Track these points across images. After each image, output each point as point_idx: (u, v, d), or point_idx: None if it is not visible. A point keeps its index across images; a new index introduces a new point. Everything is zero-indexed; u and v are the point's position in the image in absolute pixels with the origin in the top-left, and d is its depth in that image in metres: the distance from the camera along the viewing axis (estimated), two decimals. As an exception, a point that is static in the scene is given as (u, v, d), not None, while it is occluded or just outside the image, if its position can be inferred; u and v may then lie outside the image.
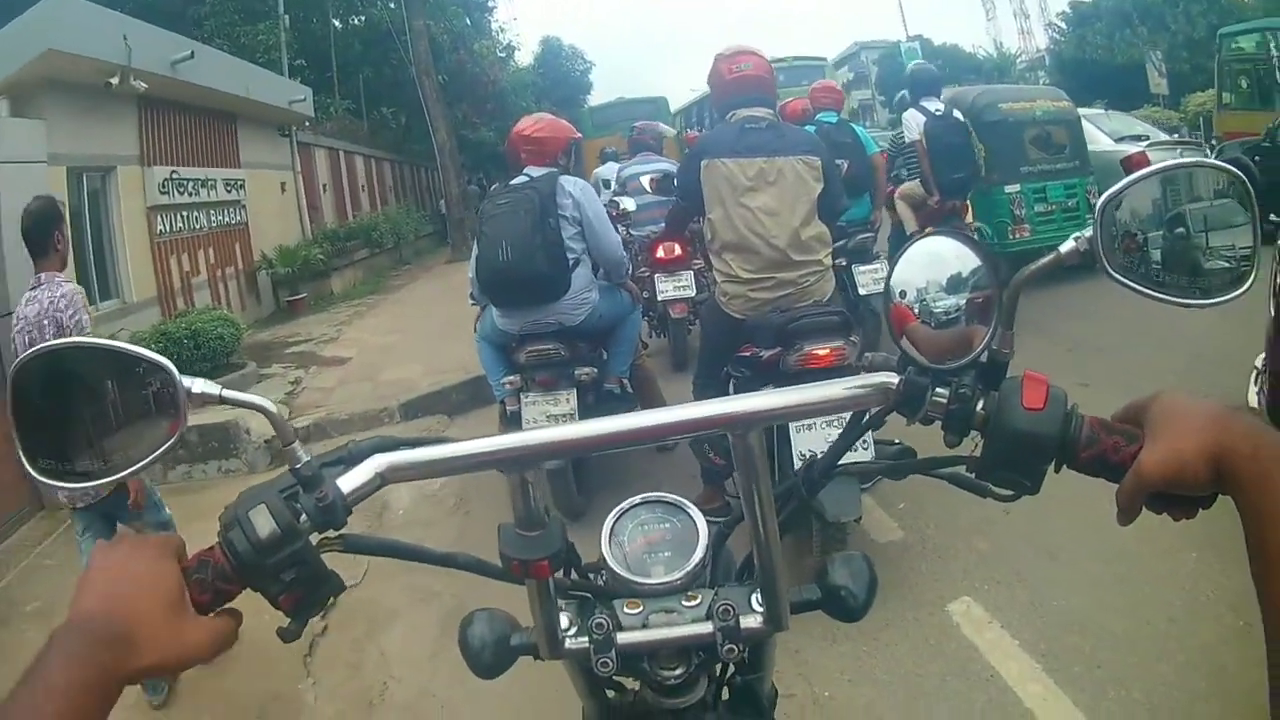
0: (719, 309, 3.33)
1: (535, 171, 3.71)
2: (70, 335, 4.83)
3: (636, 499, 0.91)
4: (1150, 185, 0.73)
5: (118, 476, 0.69)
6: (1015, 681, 2.53)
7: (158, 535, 0.72)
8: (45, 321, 3.13)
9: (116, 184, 8.42)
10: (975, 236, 5.94)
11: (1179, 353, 4.88)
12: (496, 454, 0.77)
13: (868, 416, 0.84)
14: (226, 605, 0.70)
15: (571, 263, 3.58)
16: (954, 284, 0.76)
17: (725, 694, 0.93)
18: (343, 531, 0.74)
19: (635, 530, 0.89)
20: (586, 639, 0.80)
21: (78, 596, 0.63)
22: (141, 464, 0.69)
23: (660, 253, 5.64)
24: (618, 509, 0.90)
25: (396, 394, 6.21)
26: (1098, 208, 0.71)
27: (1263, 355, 3.38)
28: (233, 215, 10.62)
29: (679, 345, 5.93)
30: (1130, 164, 7.04)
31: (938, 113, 6.13)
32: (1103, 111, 11.69)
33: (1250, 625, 2.80)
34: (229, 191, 10.44)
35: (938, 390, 0.74)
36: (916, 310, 0.77)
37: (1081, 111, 10.13)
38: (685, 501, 0.90)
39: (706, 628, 0.80)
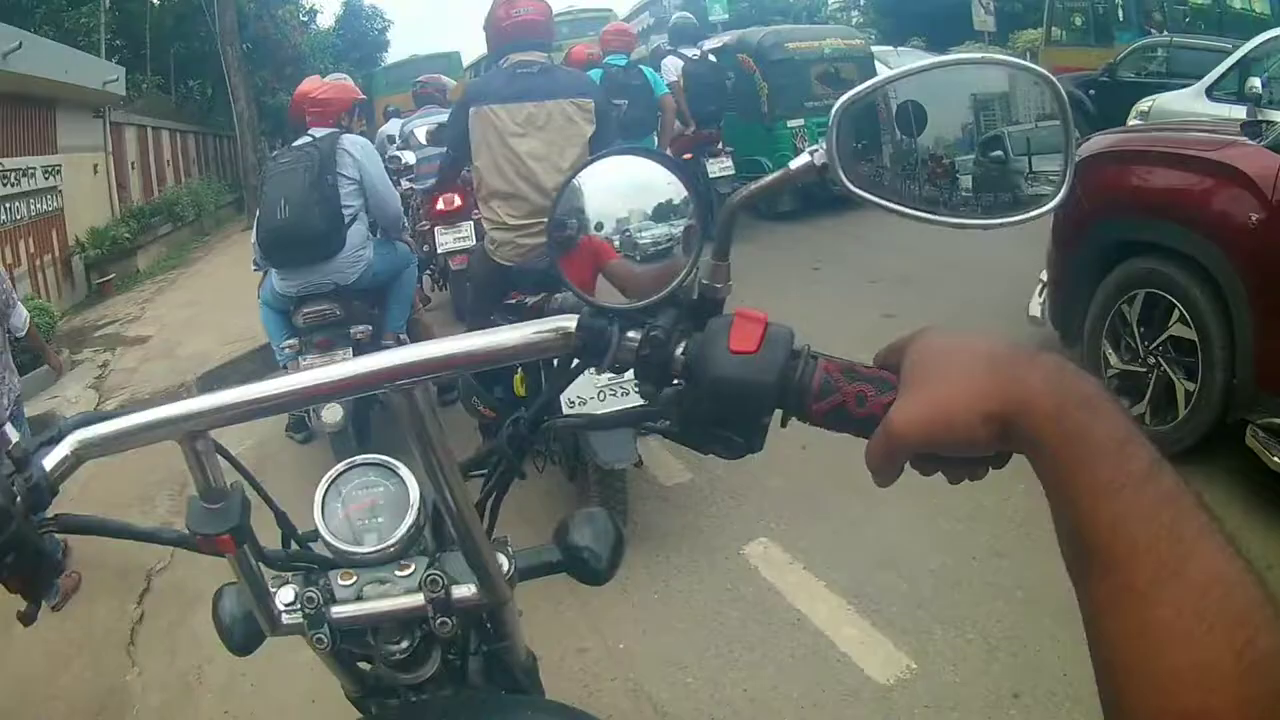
0: (487, 257, 3.25)
1: (318, 132, 3.79)
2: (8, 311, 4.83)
3: (346, 463, 0.85)
4: (908, 90, 0.65)
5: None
6: (826, 625, 2.40)
7: None
8: None
9: None
10: (723, 162, 6.63)
11: (999, 279, 4.68)
12: (171, 419, 0.70)
13: (575, 364, 0.71)
14: None
15: (348, 219, 3.62)
16: (661, 211, 0.67)
17: (470, 664, 0.88)
18: (57, 511, 0.71)
19: (349, 496, 0.83)
20: (301, 613, 0.77)
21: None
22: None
23: (440, 205, 5.50)
24: (327, 475, 0.84)
25: (193, 368, 6.31)
26: (834, 114, 0.62)
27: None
28: (50, 202, 10.46)
29: (460, 297, 5.75)
30: None
31: (694, 57, 7.14)
32: (893, 49, 12.58)
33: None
34: (47, 179, 10.30)
35: (629, 334, 0.64)
36: (618, 243, 0.67)
37: (879, 50, 11.10)
38: (397, 463, 0.85)
39: (418, 599, 0.76)
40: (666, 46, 7.38)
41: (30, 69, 9.33)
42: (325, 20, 29.38)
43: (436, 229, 5.57)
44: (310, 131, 3.82)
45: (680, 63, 6.98)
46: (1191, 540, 0.43)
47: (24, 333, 3.54)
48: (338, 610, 0.77)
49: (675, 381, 0.63)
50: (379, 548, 0.79)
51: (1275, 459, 2.70)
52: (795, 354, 0.59)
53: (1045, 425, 0.49)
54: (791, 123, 7.84)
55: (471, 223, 5.43)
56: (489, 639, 0.89)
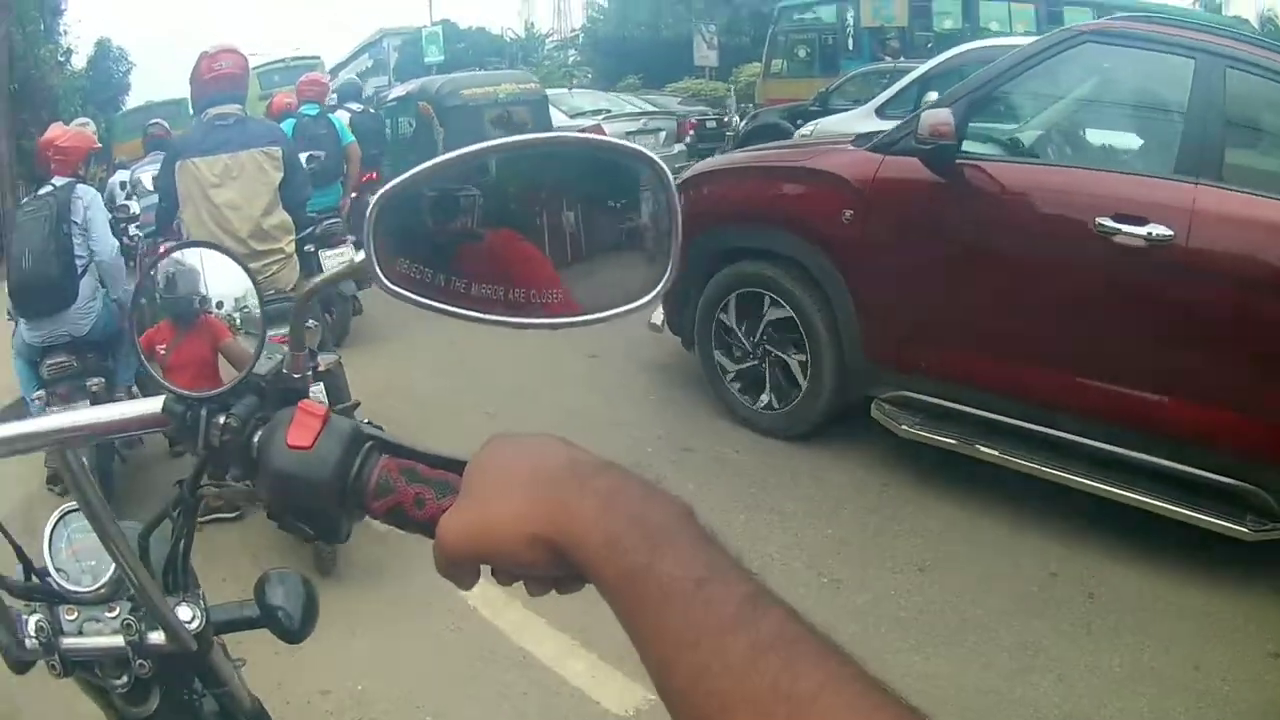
0: None
1: (59, 181, 3.85)
2: None
3: (64, 507, 0.87)
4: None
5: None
6: (553, 660, 2.45)
7: None
8: None
9: None
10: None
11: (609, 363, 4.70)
12: None
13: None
14: None
15: (80, 269, 3.68)
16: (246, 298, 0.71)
17: (211, 704, 0.89)
18: None
19: (71, 536, 0.86)
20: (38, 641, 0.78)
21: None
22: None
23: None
24: (59, 510, 0.87)
25: None
26: (370, 207, 0.57)
27: None
28: None
29: None
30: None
31: (359, 110, 8.01)
32: (567, 90, 13.02)
33: (838, 581, 2.74)
34: None
35: (218, 419, 0.64)
36: (239, 320, 0.69)
37: (555, 92, 11.52)
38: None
39: (119, 640, 0.78)
40: (335, 103, 7.82)
41: None
42: (79, 60, 28.37)
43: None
44: (52, 180, 3.86)
45: (348, 115, 7.42)
46: (809, 697, 0.35)
47: None
48: (66, 642, 0.79)
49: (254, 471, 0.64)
50: (92, 588, 0.82)
51: (904, 427, 3.05)
52: (354, 450, 0.58)
53: (596, 559, 0.45)
54: None
55: None
56: (209, 684, 0.89)
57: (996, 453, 2.90)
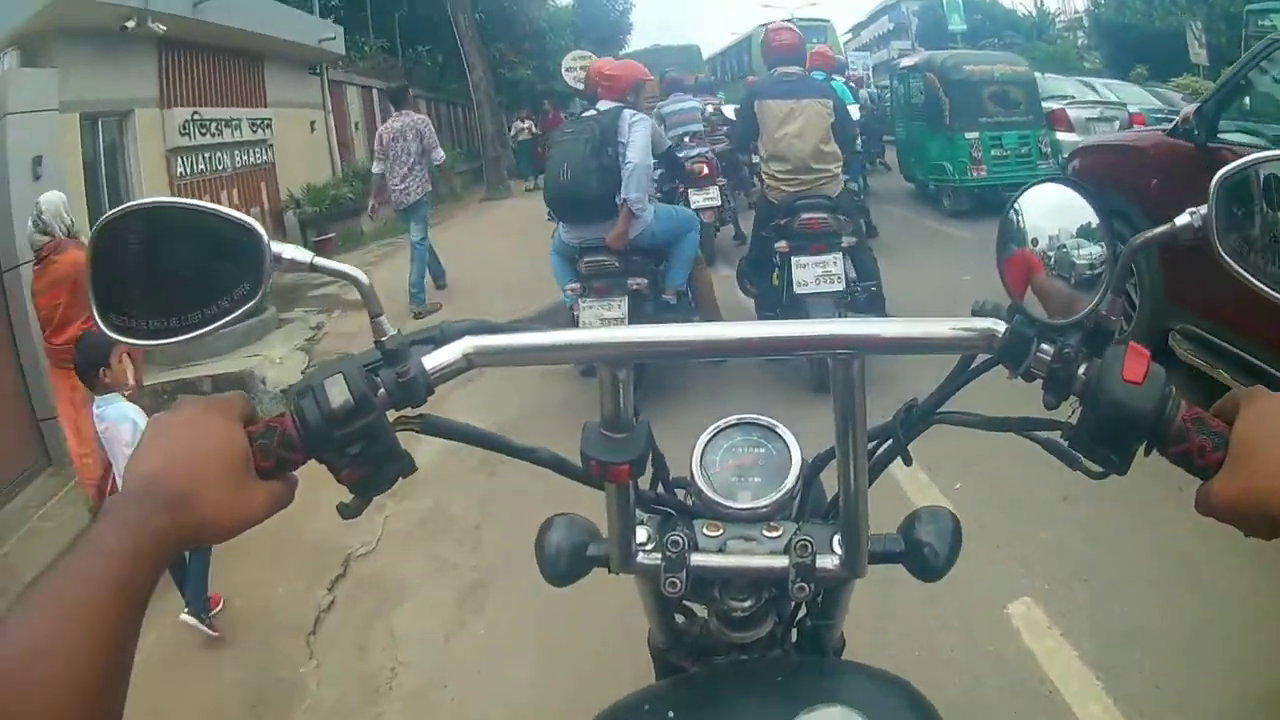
0: (765, 197, 4.90)
1: (604, 105, 4.45)
2: (432, 149, 7.28)
3: (733, 419, 0.90)
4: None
5: (191, 335, 0.67)
6: (1075, 700, 2.33)
7: (223, 397, 0.71)
8: (410, 133, 6.98)
9: (135, 128, 8.30)
10: (708, 193, 7.41)
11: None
12: (590, 347, 0.77)
13: (975, 364, 0.78)
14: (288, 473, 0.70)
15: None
16: (1069, 237, 0.70)
17: (794, 635, 0.92)
18: (421, 411, 0.74)
19: (728, 451, 0.88)
20: (660, 555, 0.79)
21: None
22: (215, 325, 0.68)
23: (699, 171, 7.21)
24: (712, 427, 0.89)
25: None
26: (1213, 184, 0.65)
27: None
28: (258, 155, 10.62)
29: (708, 245, 7.15)
30: (1053, 117, 9.79)
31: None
32: (1039, 75, 12.94)
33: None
34: (254, 131, 10.46)
35: (1043, 346, 0.69)
36: (1053, 259, 0.70)
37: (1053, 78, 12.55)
38: (782, 427, 0.89)
39: (782, 562, 0.78)
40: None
41: (227, 20, 9.19)
42: None
43: (689, 191, 7.23)
44: (599, 105, 4.53)
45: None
46: None
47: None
48: (697, 559, 0.79)
49: (1070, 397, 0.68)
50: (752, 505, 0.83)
51: (1184, 353, 3.75)
52: (1169, 392, 0.64)
53: None
54: (968, 134, 9.09)
55: (717, 188, 7.48)
56: (815, 614, 0.93)
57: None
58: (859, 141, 7.18)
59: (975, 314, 0.73)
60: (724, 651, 0.87)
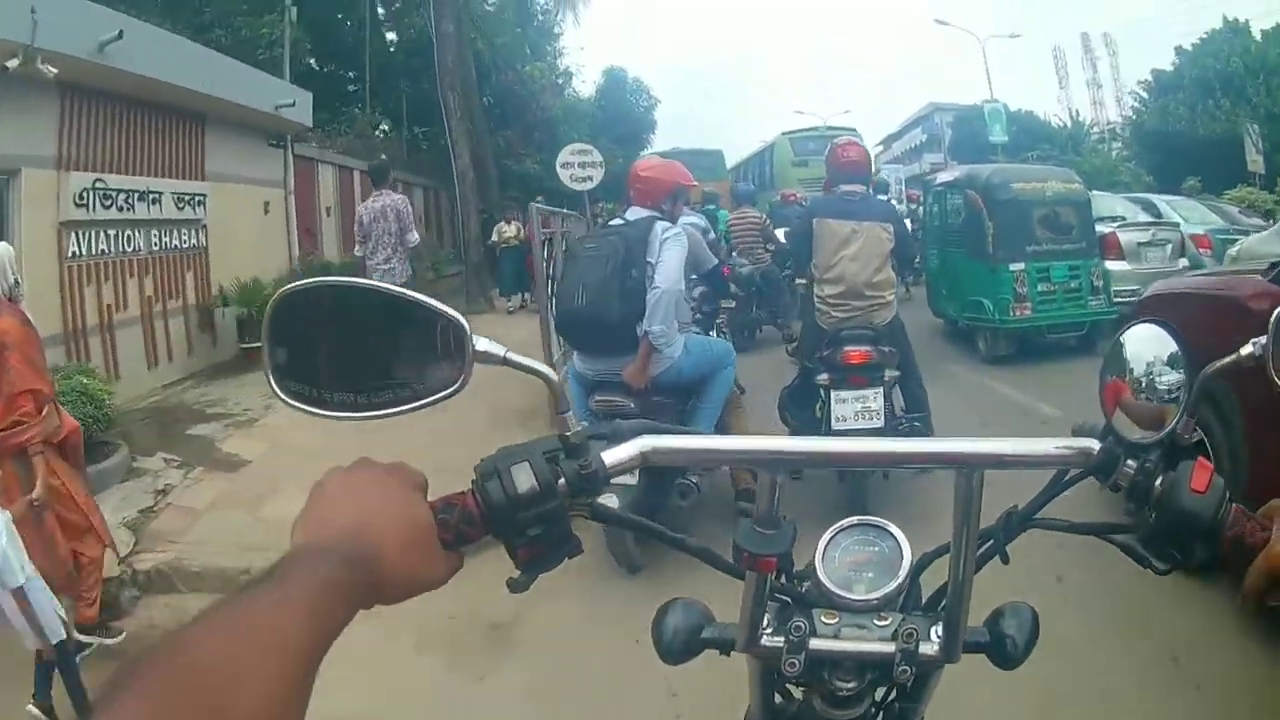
0: (815, 323, 4.70)
1: (636, 214, 3.99)
2: (407, 230, 7.30)
3: (854, 519, 0.99)
4: None
5: (382, 414, 0.76)
6: None
7: (404, 466, 0.75)
8: (390, 213, 6.94)
9: (20, 191, 6.81)
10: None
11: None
12: (753, 454, 0.91)
13: (1069, 475, 0.90)
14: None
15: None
16: (1157, 368, 0.86)
17: (880, 716, 0.99)
18: (591, 500, 0.81)
19: (848, 548, 0.97)
20: (783, 639, 0.89)
21: (313, 515, 0.67)
22: (411, 406, 0.76)
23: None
24: (835, 526, 0.98)
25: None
26: (1274, 318, 0.80)
27: None
28: (185, 237, 8.87)
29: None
30: (1103, 243, 8.60)
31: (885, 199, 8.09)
32: (1115, 195, 12.54)
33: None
34: (181, 208, 8.72)
35: (1129, 462, 0.82)
36: (1143, 385, 0.86)
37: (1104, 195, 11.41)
38: (897, 530, 0.97)
39: (889, 647, 0.88)
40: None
41: (144, 68, 7.63)
42: (584, 88, 28.90)
43: None
44: (628, 213, 4.08)
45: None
46: None
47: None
48: (815, 643, 0.89)
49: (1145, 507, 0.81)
50: (865, 597, 0.92)
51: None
52: (1224, 497, 0.78)
53: None
54: (1013, 266, 7.79)
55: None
56: (904, 698, 0.98)
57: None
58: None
59: (1075, 433, 0.87)
60: None
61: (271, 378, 0.76)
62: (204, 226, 9.10)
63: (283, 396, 0.75)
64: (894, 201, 13.10)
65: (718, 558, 0.90)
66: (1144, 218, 10.42)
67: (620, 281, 3.68)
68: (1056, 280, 7.75)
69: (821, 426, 4.29)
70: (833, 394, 4.24)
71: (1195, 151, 21.33)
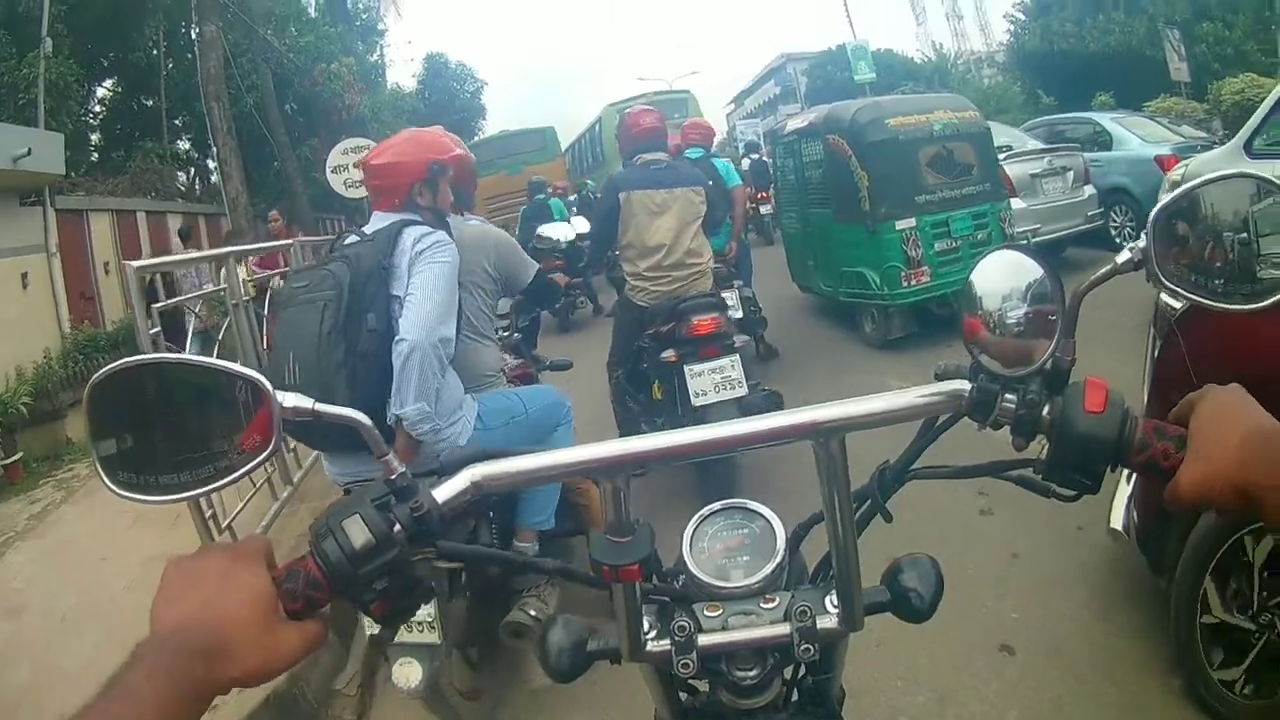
0: (630, 301, 4.51)
1: (377, 223, 2.66)
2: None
3: (716, 505, 0.97)
4: (1210, 195, 0.83)
5: (208, 488, 0.76)
6: None
7: (245, 541, 0.77)
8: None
9: None
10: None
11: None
12: (589, 463, 0.85)
13: (939, 421, 0.91)
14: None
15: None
16: (1022, 295, 0.83)
17: (795, 695, 0.99)
18: (434, 541, 0.80)
19: (715, 536, 0.95)
20: (668, 641, 0.87)
21: (159, 608, 0.66)
22: (232, 477, 0.75)
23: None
24: (698, 515, 0.96)
25: None
26: (1150, 219, 0.82)
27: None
28: None
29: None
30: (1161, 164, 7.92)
31: (757, 158, 10.73)
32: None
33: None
34: None
35: (1006, 396, 0.82)
36: (994, 320, 0.83)
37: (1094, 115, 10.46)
38: (764, 508, 0.96)
39: (784, 629, 0.86)
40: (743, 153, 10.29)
41: None
42: (399, 76, 26.77)
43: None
44: (362, 228, 2.71)
45: (748, 163, 10.49)
46: None
47: None
48: (704, 639, 0.88)
49: (1036, 437, 0.82)
50: (746, 583, 0.91)
51: None
52: (1124, 414, 0.77)
53: (1267, 497, 0.66)
54: (900, 224, 6.29)
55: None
56: (815, 670, 0.98)
57: None
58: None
59: (939, 378, 0.87)
60: (733, 718, 0.95)
61: (102, 472, 0.75)
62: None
63: (116, 490, 0.75)
64: (765, 159, 12.88)
65: (578, 573, 0.90)
66: (1033, 144, 9.05)
67: (347, 340, 2.37)
68: (959, 234, 6.37)
69: (675, 407, 4.23)
70: (686, 369, 4.08)
71: (1090, 69, 20.51)
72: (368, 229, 2.66)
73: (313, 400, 0.75)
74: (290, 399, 0.74)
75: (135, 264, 3.39)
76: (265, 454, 0.75)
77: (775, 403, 4.27)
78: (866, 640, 2.48)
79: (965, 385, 0.83)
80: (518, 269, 3.20)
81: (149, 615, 0.66)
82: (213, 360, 0.75)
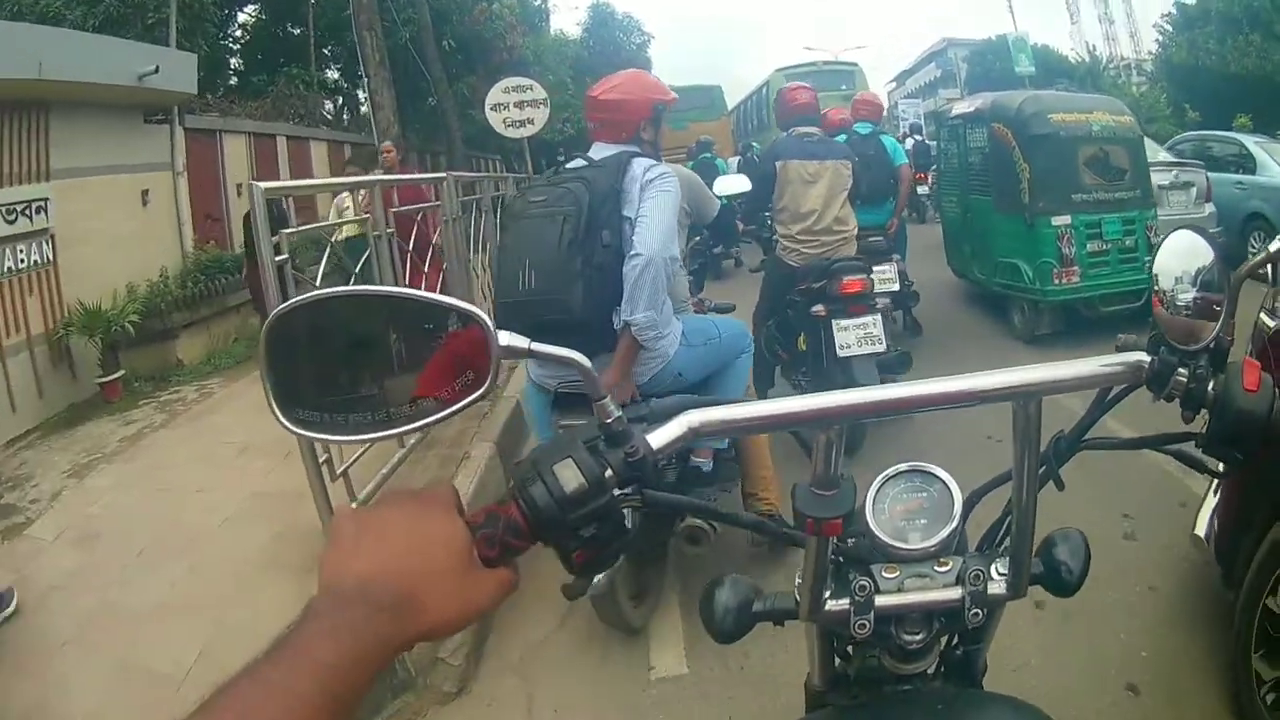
0: (781, 260, 4.90)
1: (600, 152, 2.90)
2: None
3: (903, 466, 0.96)
4: None
5: (407, 428, 0.74)
6: None
7: (433, 489, 0.71)
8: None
9: None
10: (886, 272, 5.67)
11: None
12: (801, 414, 0.84)
13: (1114, 392, 0.92)
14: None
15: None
16: (1192, 279, 0.86)
17: (943, 667, 0.99)
18: (641, 488, 0.78)
19: (896, 498, 0.94)
20: (847, 601, 0.88)
21: (334, 564, 0.63)
22: (439, 415, 0.72)
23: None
24: (880, 477, 0.95)
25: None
26: None
27: None
28: (21, 257, 7.06)
29: None
30: None
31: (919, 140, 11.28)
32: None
33: None
34: (12, 220, 6.94)
35: (1180, 370, 0.83)
36: (1168, 298, 0.87)
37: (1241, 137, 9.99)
38: (943, 471, 0.96)
39: (956, 593, 0.87)
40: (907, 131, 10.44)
41: None
42: (563, 22, 26.84)
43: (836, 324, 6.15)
44: (590, 153, 2.93)
45: (912, 143, 9.51)
46: None
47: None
48: (881, 600, 0.88)
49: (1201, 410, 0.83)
50: (923, 545, 0.91)
51: None
52: (1276, 395, 0.80)
53: None
54: (1056, 220, 6.27)
55: (893, 265, 6.22)
56: (966, 640, 0.99)
57: None
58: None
59: (1119, 349, 0.88)
60: (889, 683, 0.96)
61: (277, 409, 0.73)
62: (50, 238, 7.34)
63: (292, 428, 0.74)
64: (927, 141, 13.39)
65: (774, 528, 0.93)
66: (1164, 156, 8.88)
67: (584, 252, 2.65)
68: (1110, 237, 6.28)
69: (821, 358, 4.54)
70: (834, 323, 4.41)
71: (1231, 89, 19.99)
72: (594, 155, 2.90)
73: (528, 341, 0.72)
74: (505, 337, 0.71)
75: (263, 185, 3.21)
76: (480, 391, 0.71)
77: (906, 363, 4.92)
78: (1003, 664, 2.26)
79: (1145, 357, 0.85)
80: (705, 204, 3.69)
81: (319, 571, 0.63)
82: (426, 294, 0.71)
